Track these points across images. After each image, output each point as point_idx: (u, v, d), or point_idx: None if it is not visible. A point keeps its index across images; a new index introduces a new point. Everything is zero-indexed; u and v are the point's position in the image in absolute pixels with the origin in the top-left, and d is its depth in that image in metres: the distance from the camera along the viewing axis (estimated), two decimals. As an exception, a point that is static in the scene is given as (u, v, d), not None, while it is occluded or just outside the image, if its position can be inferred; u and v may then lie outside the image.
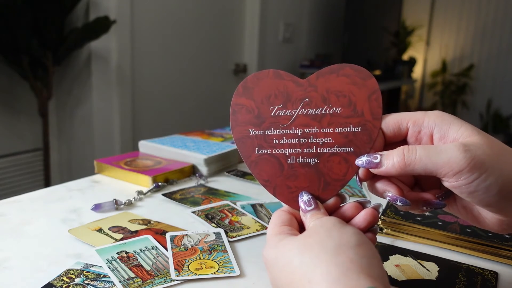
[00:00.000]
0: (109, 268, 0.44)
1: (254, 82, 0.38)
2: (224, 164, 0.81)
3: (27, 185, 1.83)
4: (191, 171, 0.77)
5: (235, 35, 2.46)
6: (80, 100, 1.91)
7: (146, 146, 0.83)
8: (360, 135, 0.36)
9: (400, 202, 0.34)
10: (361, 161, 0.35)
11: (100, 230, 0.53)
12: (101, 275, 0.43)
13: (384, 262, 0.47)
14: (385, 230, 0.54)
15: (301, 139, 0.37)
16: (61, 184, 0.69)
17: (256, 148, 0.38)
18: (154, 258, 0.46)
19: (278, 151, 0.37)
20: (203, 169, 0.76)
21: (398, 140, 0.36)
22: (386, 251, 0.50)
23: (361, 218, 0.36)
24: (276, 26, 2.64)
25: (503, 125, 3.92)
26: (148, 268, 0.44)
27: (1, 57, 1.55)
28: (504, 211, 0.33)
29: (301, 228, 0.36)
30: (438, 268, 0.46)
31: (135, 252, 0.47)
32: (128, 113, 1.92)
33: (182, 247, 0.49)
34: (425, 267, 0.47)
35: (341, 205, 0.38)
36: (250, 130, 0.38)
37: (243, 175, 0.77)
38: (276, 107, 0.38)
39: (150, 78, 2.01)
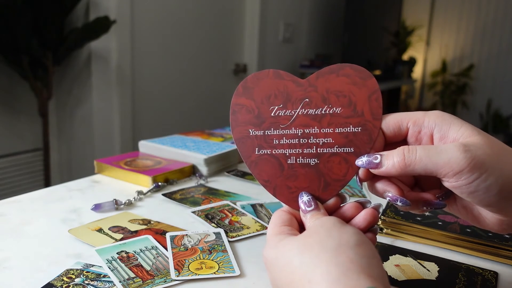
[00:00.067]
0: (109, 268, 0.44)
1: (254, 82, 0.38)
2: (224, 164, 0.81)
3: (27, 185, 1.83)
4: (191, 171, 0.77)
5: (235, 35, 2.46)
6: (80, 100, 1.91)
7: (146, 146, 0.83)
8: (360, 135, 0.36)
9: (400, 202, 0.34)
10: (361, 161, 0.35)
11: (100, 230, 0.53)
12: (101, 275, 0.43)
13: (384, 262, 0.47)
14: (385, 230, 0.54)
15: (301, 139, 0.37)
16: (61, 184, 0.69)
17: (256, 148, 0.38)
18: (154, 258, 0.46)
19: (278, 151, 0.37)
20: (203, 169, 0.76)
21: (398, 140, 0.36)
22: (386, 251, 0.50)
23: (361, 218, 0.36)
24: (276, 26, 2.64)
25: (503, 125, 3.92)
26: (148, 268, 0.44)
27: (1, 57, 1.55)
28: (504, 211, 0.33)
29: (301, 228, 0.36)
30: (438, 268, 0.46)
31: (135, 252, 0.47)
32: (128, 113, 1.92)
33: (182, 247, 0.49)
34: (425, 267, 0.47)
35: (341, 205, 0.38)
36: (250, 130, 0.38)
37: (243, 175, 0.77)
38: (276, 107, 0.38)
39: (150, 78, 2.01)
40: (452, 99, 4.18)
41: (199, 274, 0.43)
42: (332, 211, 0.37)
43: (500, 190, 0.31)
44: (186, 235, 0.52)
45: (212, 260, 0.46)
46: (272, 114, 0.38)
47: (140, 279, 0.42)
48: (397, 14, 3.64)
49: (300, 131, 0.37)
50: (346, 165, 0.36)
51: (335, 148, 0.37)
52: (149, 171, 0.71)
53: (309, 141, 0.37)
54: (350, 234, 0.31)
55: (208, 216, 0.58)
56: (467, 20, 4.06)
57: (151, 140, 0.84)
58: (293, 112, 0.37)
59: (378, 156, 0.34)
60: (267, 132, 0.38)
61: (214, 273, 0.44)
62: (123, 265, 0.44)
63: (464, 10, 4.06)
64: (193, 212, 0.59)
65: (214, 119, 2.34)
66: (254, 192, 0.69)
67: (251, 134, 0.38)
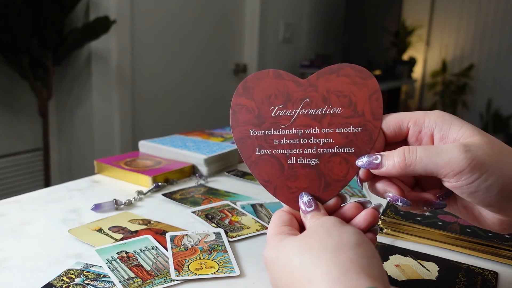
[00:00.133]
0: (109, 268, 0.44)
1: (254, 82, 0.38)
2: (224, 164, 0.81)
3: (27, 185, 1.83)
4: (191, 171, 0.77)
5: (235, 35, 2.46)
6: (80, 100, 1.91)
7: (146, 146, 0.83)
8: (360, 135, 0.36)
9: (400, 202, 0.34)
10: (361, 161, 0.35)
11: (100, 230, 0.53)
12: (101, 275, 0.43)
13: (384, 262, 0.47)
14: (385, 230, 0.54)
15: (301, 140, 0.37)
16: (61, 184, 0.69)
17: (257, 149, 0.38)
18: (154, 258, 0.46)
19: (278, 151, 0.37)
20: (203, 169, 0.76)
21: (399, 140, 0.36)
22: (386, 251, 0.50)
23: (362, 218, 0.36)
24: (276, 26, 2.64)
25: (503, 125, 3.92)
26: (148, 268, 0.44)
27: (1, 57, 1.55)
28: (504, 211, 0.33)
29: (301, 228, 0.36)
30: (438, 268, 0.46)
31: (135, 252, 0.47)
32: (128, 113, 1.92)
33: (182, 247, 0.49)
34: (425, 267, 0.47)
35: (341, 205, 0.38)
36: (250, 130, 0.38)
37: (243, 175, 0.77)
38: (277, 107, 0.38)
39: (150, 78, 2.01)
40: (452, 99, 4.18)
41: (199, 274, 0.43)
42: (332, 211, 0.37)
43: (501, 190, 0.31)
44: (186, 235, 0.52)
45: (212, 260, 0.46)
46: (272, 114, 0.38)
47: (140, 279, 0.42)
48: (397, 14, 3.64)
49: (301, 131, 0.37)
50: (346, 166, 0.36)
51: (335, 149, 0.37)
52: (149, 171, 0.71)
53: (310, 141, 0.37)
54: (350, 234, 0.31)
55: (208, 216, 0.58)
56: (467, 20, 4.06)
57: (151, 140, 0.84)
58: (293, 112, 0.37)
59: (379, 156, 0.34)
60: (268, 132, 0.38)
61: (214, 273, 0.44)
62: (123, 265, 0.44)
63: (464, 10, 4.06)
64: (193, 212, 0.59)
65: (214, 119, 2.34)
66: (254, 192, 0.69)
67: (251, 134, 0.38)
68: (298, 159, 0.37)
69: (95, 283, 0.41)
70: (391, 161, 0.33)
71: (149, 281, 0.42)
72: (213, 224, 0.55)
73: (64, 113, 1.96)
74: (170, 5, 2.01)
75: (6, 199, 0.62)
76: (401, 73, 3.64)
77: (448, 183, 0.32)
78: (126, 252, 0.47)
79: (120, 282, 0.41)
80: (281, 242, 0.33)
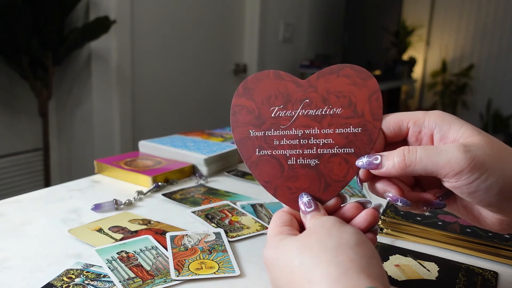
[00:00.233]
0: (109, 268, 0.44)
1: (254, 82, 0.38)
2: (224, 164, 0.81)
3: (27, 185, 1.83)
4: (191, 171, 0.77)
5: (235, 35, 2.46)
6: (80, 100, 1.91)
7: (146, 146, 0.83)
8: (360, 135, 0.36)
9: (400, 202, 0.34)
10: (361, 162, 0.35)
11: (100, 230, 0.53)
12: (101, 275, 0.43)
13: (384, 262, 0.47)
14: (385, 230, 0.54)
15: (301, 140, 0.37)
16: (61, 184, 0.69)
17: (257, 149, 0.38)
18: (154, 258, 0.46)
19: (278, 152, 0.37)
20: (203, 169, 0.76)
21: (399, 140, 0.36)
22: (386, 251, 0.50)
23: (362, 218, 0.36)
24: (276, 26, 2.64)
25: (503, 125, 3.92)
26: (148, 268, 0.44)
27: (1, 57, 1.55)
28: (504, 211, 0.33)
29: (301, 228, 0.36)
30: (438, 268, 0.46)
31: (135, 252, 0.47)
32: (128, 113, 1.92)
33: (182, 247, 0.49)
34: (425, 267, 0.47)
35: (341, 205, 0.38)
36: (250, 131, 0.38)
37: (243, 175, 0.77)
38: (277, 108, 0.38)
39: (150, 78, 2.01)
40: (452, 99, 4.18)
41: (199, 274, 0.43)
42: (332, 212, 0.37)
43: (501, 190, 0.31)
44: (186, 235, 0.52)
45: (212, 260, 0.46)
46: (272, 115, 0.38)
47: (140, 279, 0.42)
48: (397, 14, 3.64)
49: (301, 131, 0.37)
50: (346, 166, 0.36)
51: (335, 149, 0.37)
52: (149, 171, 0.71)
53: (310, 142, 0.37)
54: (350, 233, 0.31)
55: (208, 216, 0.58)
56: (467, 20, 4.06)
57: (151, 140, 0.84)
58: (293, 112, 0.37)
59: (379, 156, 0.34)
60: (268, 133, 0.38)
61: (214, 273, 0.44)
62: (123, 265, 0.44)
63: (464, 10, 4.06)
64: (193, 212, 0.59)
65: (214, 119, 2.34)
66: (254, 192, 0.69)
67: (251, 135, 0.38)
68: (298, 160, 0.37)
69: (95, 283, 0.42)
70: (391, 161, 0.33)
71: (149, 281, 0.42)
72: (213, 224, 0.55)
73: (64, 113, 1.96)
74: (170, 5, 2.01)
75: (6, 199, 0.62)
76: (401, 73, 3.64)
77: (448, 183, 0.32)
78: (126, 252, 0.47)
79: (120, 282, 0.41)
80: (281, 242, 0.33)
